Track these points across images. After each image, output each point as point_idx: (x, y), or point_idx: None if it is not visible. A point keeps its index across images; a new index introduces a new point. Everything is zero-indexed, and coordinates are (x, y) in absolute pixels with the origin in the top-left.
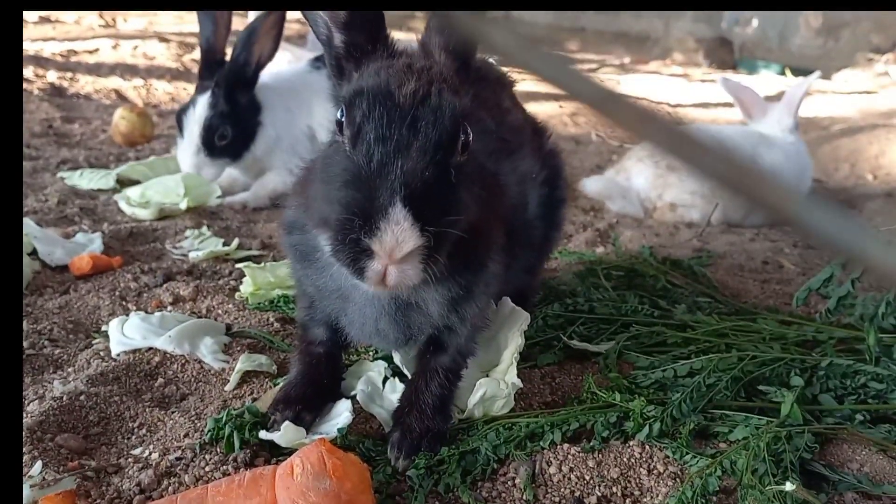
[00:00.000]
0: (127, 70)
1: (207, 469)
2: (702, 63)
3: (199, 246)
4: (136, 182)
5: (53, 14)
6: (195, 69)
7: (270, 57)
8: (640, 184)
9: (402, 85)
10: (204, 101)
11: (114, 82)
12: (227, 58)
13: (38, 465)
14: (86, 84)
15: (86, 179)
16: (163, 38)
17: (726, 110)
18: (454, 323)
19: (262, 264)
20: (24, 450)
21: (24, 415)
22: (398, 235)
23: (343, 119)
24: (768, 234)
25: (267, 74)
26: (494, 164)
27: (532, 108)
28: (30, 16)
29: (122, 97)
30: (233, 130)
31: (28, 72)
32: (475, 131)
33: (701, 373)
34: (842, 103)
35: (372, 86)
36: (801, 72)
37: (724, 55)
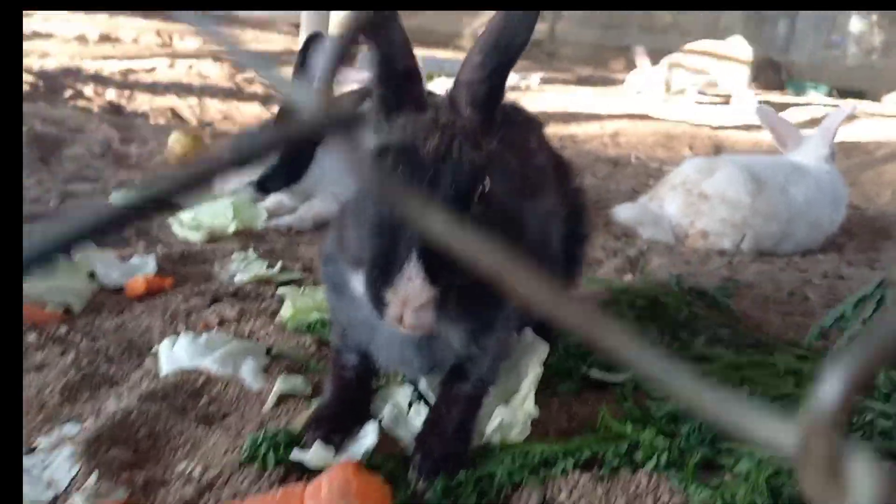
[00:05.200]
0: (182, 89)
1: (244, 485)
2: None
3: (244, 269)
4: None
5: (113, 33)
6: (247, 88)
7: None
8: (672, 211)
9: (425, 141)
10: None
11: (169, 101)
12: None
13: (94, 476)
14: (143, 102)
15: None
16: (217, 58)
17: (768, 134)
18: (475, 354)
19: (302, 289)
20: (81, 462)
21: (82, 430)
22: (410, 291)
23: None
24: (799, 263)
25: None
26: (516, 204)
27: (573, 128)
28: (91, 34)
29: (176, 115)
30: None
31: (89, 90)
32: (498, 173)
33: None
34: (889, 127)
35: (397, 141)
36: (849, 93)
37: (772, 76)
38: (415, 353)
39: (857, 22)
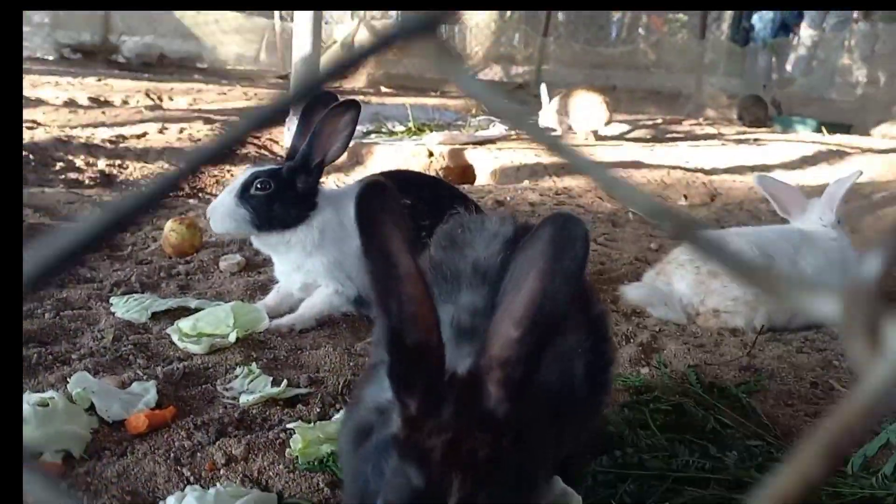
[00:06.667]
0: (173, 153)
1: None
2: (735, 120)
3: (248, 387)
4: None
5: (103, 95)
6: (239, 150)
7: (336, 155)
8: (681, 289)
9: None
10: (267, 166)
11: (161, 168)
12: None
13: None
14: (134, 171)
15: (122, 308)
16: (207, 120)
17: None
18: None
19: (312, 424)
20: None
21: None
22: None
23: None
24: (815, 340)
25: (331, 189)
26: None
27: (567, 181)
28: (81, 98)
29: None
30: (275, 187)
31: (80, 161)
32: None
33: None
34: (882, 165)
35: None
36: (837, 127)
37: (758, 112)
38: None
39: (840, 54)
